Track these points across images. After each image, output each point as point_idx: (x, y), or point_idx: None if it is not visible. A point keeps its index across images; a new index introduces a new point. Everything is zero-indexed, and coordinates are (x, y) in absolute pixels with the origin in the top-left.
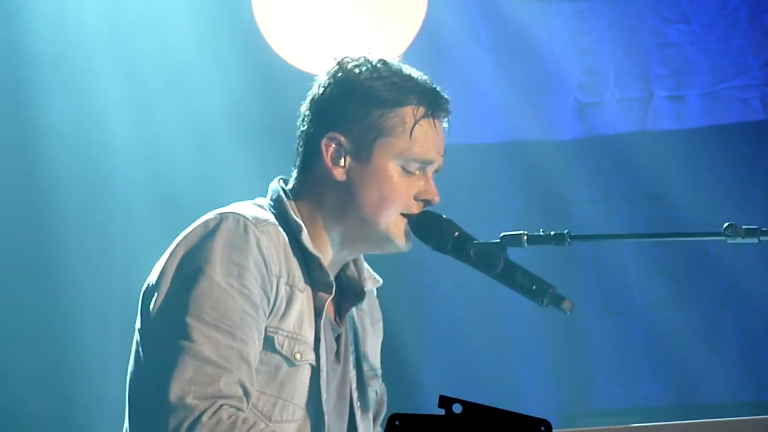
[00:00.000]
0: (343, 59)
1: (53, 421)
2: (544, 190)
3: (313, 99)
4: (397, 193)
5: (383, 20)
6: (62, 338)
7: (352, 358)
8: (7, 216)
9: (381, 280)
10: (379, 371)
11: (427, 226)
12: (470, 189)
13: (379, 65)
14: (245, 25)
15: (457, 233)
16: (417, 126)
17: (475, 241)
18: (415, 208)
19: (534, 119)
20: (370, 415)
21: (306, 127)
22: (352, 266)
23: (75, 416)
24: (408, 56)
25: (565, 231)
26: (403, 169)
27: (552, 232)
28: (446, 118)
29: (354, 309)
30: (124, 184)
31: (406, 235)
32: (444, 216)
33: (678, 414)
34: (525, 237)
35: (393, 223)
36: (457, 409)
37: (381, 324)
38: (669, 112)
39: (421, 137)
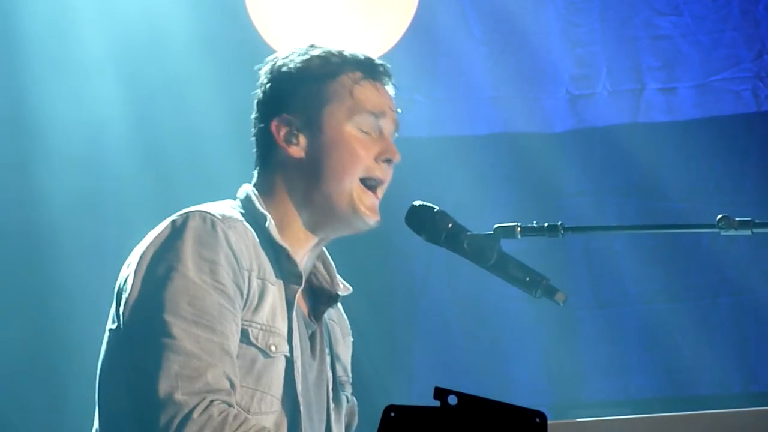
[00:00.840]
0: (273, 56)
1: (45, 416)
2: (535, 182)
3: (257, 101)
4: (356, 156)
5: (375, 12)
6: (54, 331)
7: (328, 360)
8: (1, 212)
9: (351, 288)
10: (350, 380)
11: (420, 217)
12: (462, 181)
13: (308, 48)
14: (239, 19)
15: (450, 225)
16: (356, 86)
17: (469, 233)
18: (377, 170)
19: (526, 111)
20: (343, 419)
21: (255, 126)
22: (323, 271)
23: (67, 411)
24: (400, 48)
25: (559, 223)
26: (358, 129)
27: (545, 224)
28: (389, 82)
29: (326, 317)
30: (120, 179)
31: (372, 210)
32: (437, 208)
33: (669, 405)
34: (518, 229)
35: (356, 196)
36: (452, 400)
37: (350, 338)
38: (661, 104)
39: (364, 94)
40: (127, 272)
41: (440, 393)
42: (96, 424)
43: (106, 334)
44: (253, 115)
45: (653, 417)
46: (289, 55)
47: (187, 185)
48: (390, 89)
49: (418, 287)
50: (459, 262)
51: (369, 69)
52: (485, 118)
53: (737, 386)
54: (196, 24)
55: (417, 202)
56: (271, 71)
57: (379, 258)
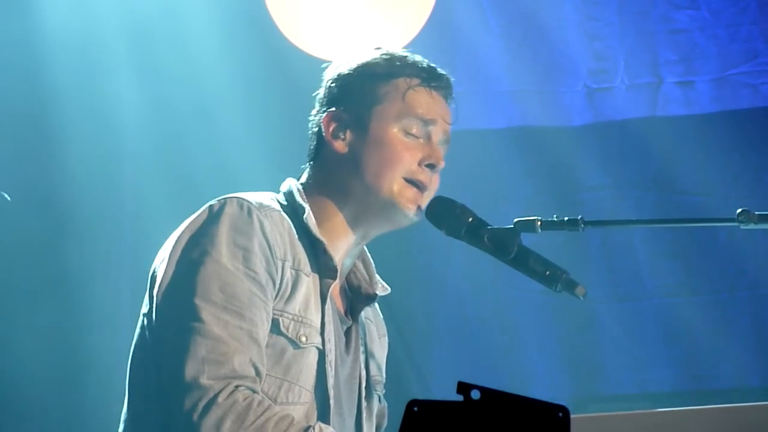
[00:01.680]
0: (341, 57)
1: (61, 408)
2: (553, 176)
3: (318, 99)
4: (398, 157)
5: (393, 6)
6: (72, 328)
7: (362, 358)
8: (20, 208)
9: (389, 289)
10: (383, 380)
11: (441, 211)
12: (480, 175)
13: (375, 49)
14: (258, 13)
15: (470, 219)
16: (411, 90)
17: (489, 227)
18: (421, 174)
19: (544, 105)
20: (374, 419)
21: (312, 122)
22: (362, 270)
23: (84, 402)
24: (418, 42)
25: (579, 216)
26: (405, 132)
27: (566, 218)
28: (447, 94)
29: (363, 315)
30: (137, 172)
31: (413, 202)
32: (457, 202)
33: (687, 399)
34: (539, 223)
35: (397, 189)
36: (475, 395)
37: (386, 339)
38: (678, 97)
39: (416, 100)
40: (163, 255)
41: (463, 387)
42: (125, 408)
43: (140, 318)
44: (313, 112)
45: (672, 411)
46: (354, 56)
47: (205, 179)
48: (449, 101)
49: (436, 281)
50: (477, 255)
51: (428, 76)
52: (503, 112)
53: (755, 380)
54: (215, 17)
55: (437, 196)
56: (333, 69)
57: (398, 251)
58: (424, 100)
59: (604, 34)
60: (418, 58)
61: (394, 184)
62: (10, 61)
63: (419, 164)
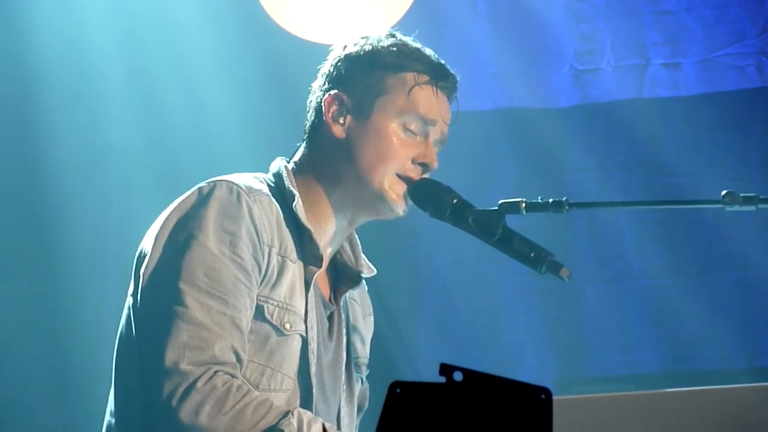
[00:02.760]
0: (355, 36)
1: (49, 395)
2: (540, 158)
3: (323, 73)
4: (394, 152)
5: None
6: (58, 316)
7: (344, 341)
8: (5, 197)
9: (375, 270)
10: (367, 361)
11: (425, 193)
12: (466, 156)
13: (388, 36)
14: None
15: (455, 200)
16: (417, 87)
17: (474, 209)
18: (412, 172)
19: (530, 87)
20: (355, 401)
21: (312, 96)
22: (349, 251)
23: (71, 389)
24: (404, 24)
25: (564, 198)
26: (404, 128)
27: (550, 200)
28: (452, 93)
29: (348, 297)
30: (124, 161)
31: (403, 198)
32: (442, 183)
33: (674, 381)
34: (523, 204)
35: (387, 183)
36: (458, 376)
37: (372, 318)
38: (665, 79)
39: (421, 98)
40: (150, 236)
41: (446, 369)
42: (111, 390)
43: (127, 299)
44: (315, 85)
45: (657, 392)
46: (367, 36)
47: (190, 168)
48: (453, 102)
49: (422, 263)
50: (463, 237)
51: (437, 75)
52: (489, 94)
53: (741, 361)
54: (201, 6)
55: (422, 178)
56: (343, 48)
57: (383, 233)
58: (429, 98)
59: (590, 15)
60: (428, 52)
61: (386, 179)
62: None
63: (412, 162)
